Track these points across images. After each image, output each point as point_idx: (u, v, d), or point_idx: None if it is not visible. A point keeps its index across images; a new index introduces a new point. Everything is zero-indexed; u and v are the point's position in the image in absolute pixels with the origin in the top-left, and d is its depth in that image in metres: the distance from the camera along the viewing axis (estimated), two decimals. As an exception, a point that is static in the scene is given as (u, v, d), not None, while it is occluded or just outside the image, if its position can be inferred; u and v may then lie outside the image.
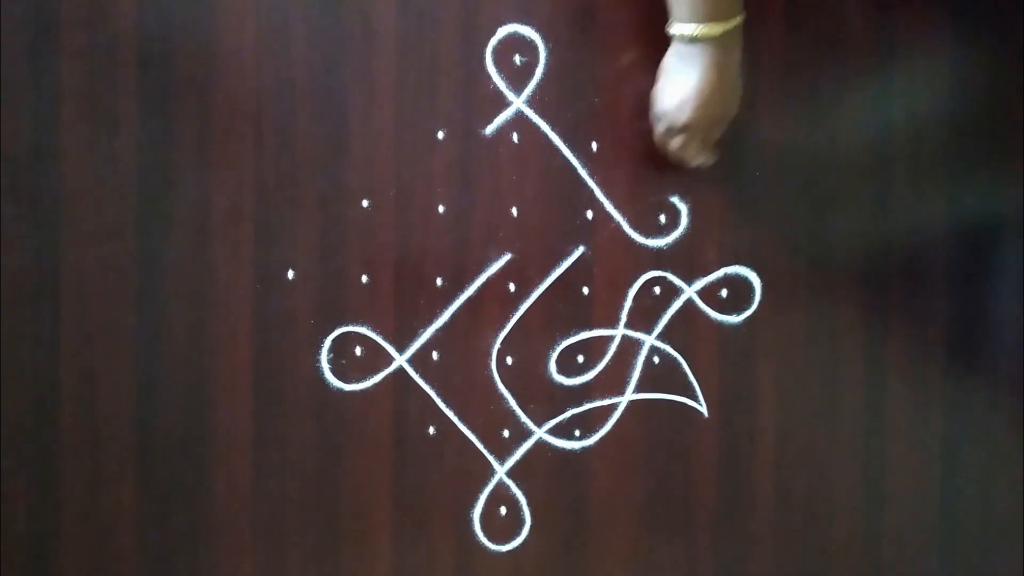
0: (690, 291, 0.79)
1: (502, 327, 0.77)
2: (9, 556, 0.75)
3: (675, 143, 0.72)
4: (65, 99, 0.73)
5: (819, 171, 0.79)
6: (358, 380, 0.76)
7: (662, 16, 0.69)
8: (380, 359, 0.76)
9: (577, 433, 0.79)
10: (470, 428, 0.77)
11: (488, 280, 0.77)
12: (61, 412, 0.74)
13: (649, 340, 0.79)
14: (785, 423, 0.80)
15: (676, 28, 0.63)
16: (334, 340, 0.76)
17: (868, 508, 0.82)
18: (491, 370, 0.77)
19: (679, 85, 0.67)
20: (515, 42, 0.75)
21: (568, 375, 0.78)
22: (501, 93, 0.76)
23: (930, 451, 0.82)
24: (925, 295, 0.81)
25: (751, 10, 0.77)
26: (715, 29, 0.60)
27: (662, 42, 0.70)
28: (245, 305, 0.75)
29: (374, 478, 0.77)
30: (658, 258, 0.79)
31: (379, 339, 0.76)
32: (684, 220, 0.78)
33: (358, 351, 0.76)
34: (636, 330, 0.79)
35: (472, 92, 0.75)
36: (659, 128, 0.71)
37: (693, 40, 0.62)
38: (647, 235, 0.78)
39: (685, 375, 0.79)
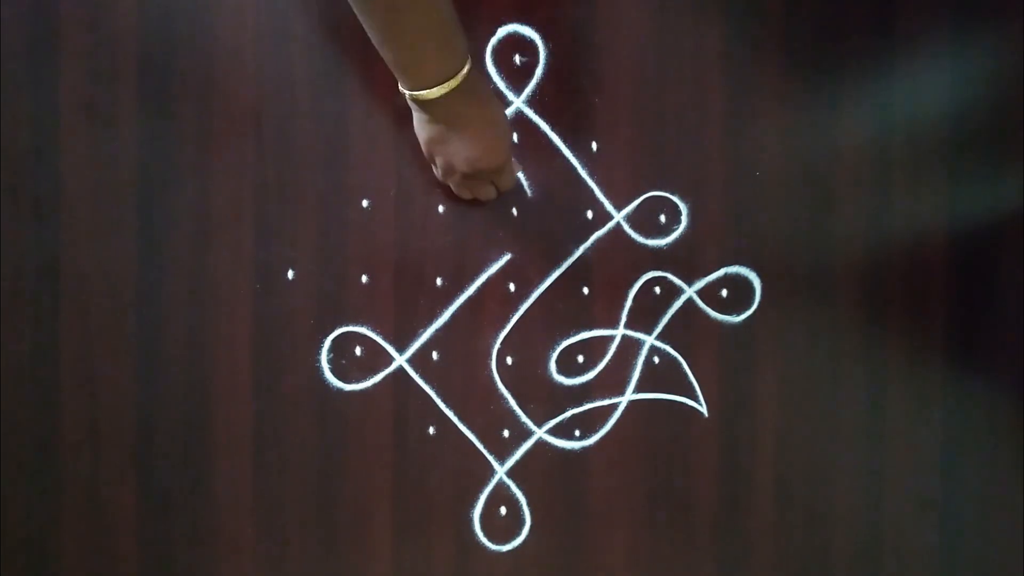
0: (690, 291, 0.79)
1: (502, 327, 0.77)
2: (9, 556, 0.75)
3: (452, 186, 0.72)
4: (65, 99, 0.73)
5: (819, 171, 0.79)
6: (358, 380, 0.76)
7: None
8: (380, 359, 0.76)
9: (577, 433, 0.79)
10: (470, 428, 0.77)
11: (488, 280, 0.77)
12: (61, 412, 0.74)
13: (649, 340, 0.79)
14: (785, 423, 0.80)
15: (401, 89, 0.62)
16: (334, 340, 0.76)
17: (868, 508, 0.82)
18: (491, 370, 0.77)
19: (422, 142, 0.67)
20: (515, 42, 0.75)
21: (568, 375, 0.78)
22: (501, 93, 0.76)
23: (930, 451, 0.82)
24: (925, 295, 0.81)
25: (752, 11, 0.77)
26: (432, 94, 0.60)
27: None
28: (245, 305, 0.75)
29: (374, 478, 0.77)
30: (658, 258, 0.79)
31: (379, 339, 0.76)
32: (684, 220, 0.79)
33: (358, 351, 0.76)
34: (636, 330, 0.79)
35: (472, 92, 0.75)
36: (436, 173, 0.72)
37: (415, 101, 0.62)
38: (647, 235, 0.78)
39: (685, 375, 0.79)
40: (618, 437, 0.79)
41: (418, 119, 0.66)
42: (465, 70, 0.59)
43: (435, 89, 0.59)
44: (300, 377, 0.76)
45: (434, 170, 0.72)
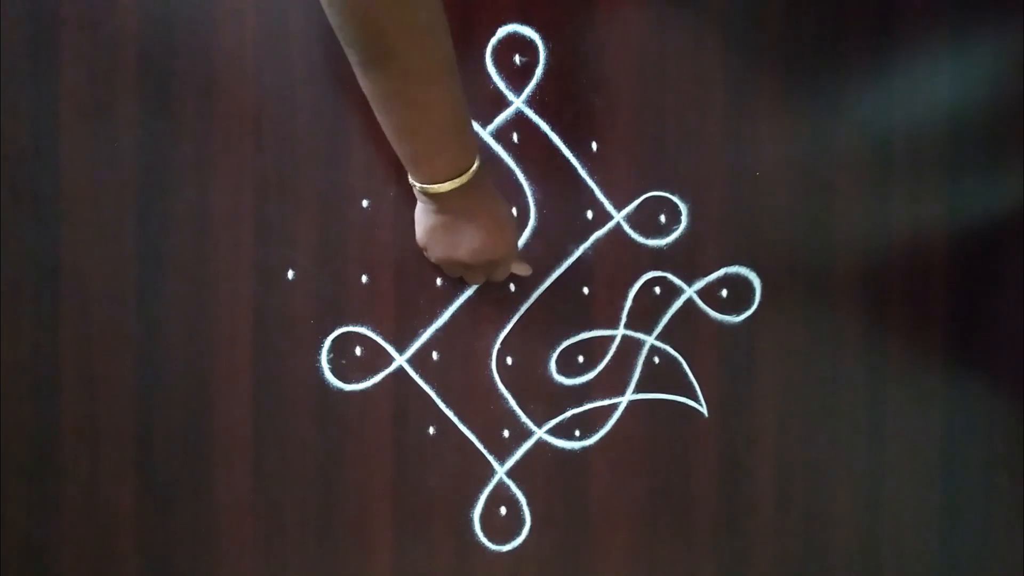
0: (690, 291, 0.79)
1: (502, 327, 0.77)
2: (9, 556, 0.75)
3: (449, 273, 0.73)
4: (65, 99, 0.73)
5: (819, 171, 0.79)
6: (358, 380, 0.76)
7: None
8: (380, 359, 0.76)
9: (577, 433, 0.79)
10: (470, 428, 0.77)
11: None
12: (61, 412, 0.74)
13: (649, 340, 0.79)
14: (785, 423, 0.80)
15: (411, 180, 0.63)
16: (334, 340, 0.76)
17: (868, 508, 0.82)
18: (491, 370, 0.77)
19: (421, 229, 0.68)
20: (515, 42, 0.75)
21: (568, 375, 0.78)
22: (501, 93, 0.76)
23: (930, 451, 0.82)
24: (925, 295, 0.81)
25: (752, 10, 0.77)
26: (442, 188, 0.61)
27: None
28: (245, 305, 0.75)
29: (374, 478, 0.77)
30: (658, 258, 0.79)
31: (379, 339, 0.76)
32: (684, 220, 0.79)
33: (358, 351, 0.76)
34: (636, 330, 0.79)
35: (472, 92, 0.75)
36: (428, 255, 0.72)
37: (424, 193, 0.63)
38: (647, 235, 0.78)
39: (685, 375, 0.79)
40: (618, 437, 0.79)
41: (423, 209, 0.67)
42: (475, 165, 0.61)
43: (446, 184, 0.60)
44: (300, 377, 0.76)
45: (425, 253, 0.71)
